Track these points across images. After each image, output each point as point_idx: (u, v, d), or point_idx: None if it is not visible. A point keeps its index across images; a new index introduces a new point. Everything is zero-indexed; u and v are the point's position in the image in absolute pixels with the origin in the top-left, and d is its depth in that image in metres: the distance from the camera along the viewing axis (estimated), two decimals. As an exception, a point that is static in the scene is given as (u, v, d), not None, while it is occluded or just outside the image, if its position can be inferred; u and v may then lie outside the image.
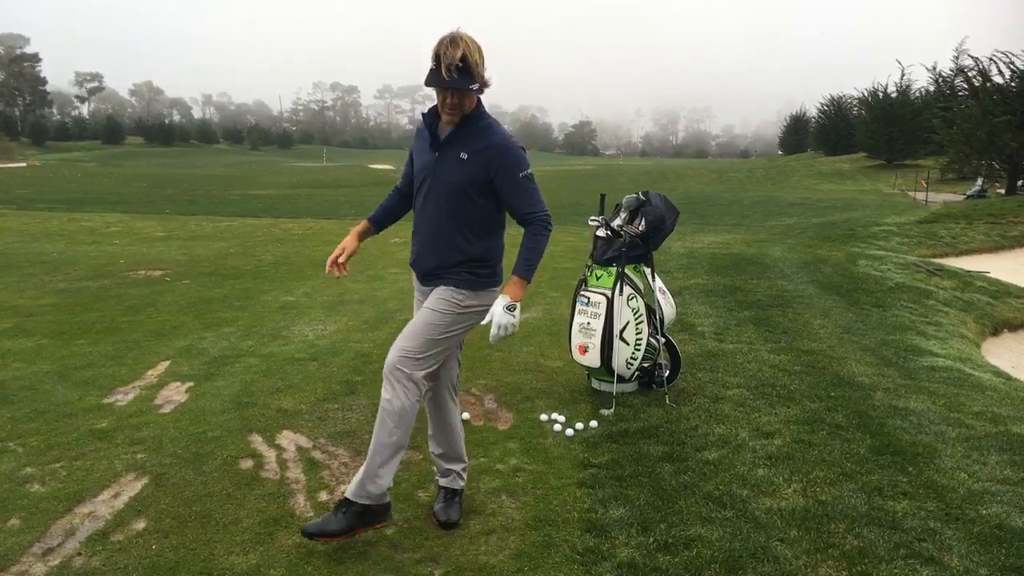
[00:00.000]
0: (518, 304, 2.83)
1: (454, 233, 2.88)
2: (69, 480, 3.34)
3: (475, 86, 2.73)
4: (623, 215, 4.61)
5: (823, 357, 5.33)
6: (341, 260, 3.04)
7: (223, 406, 4.28)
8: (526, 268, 2.86)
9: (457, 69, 2.64)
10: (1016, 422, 4.11)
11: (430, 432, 3.16)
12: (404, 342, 2.84)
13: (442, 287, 2.91)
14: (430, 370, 2.87)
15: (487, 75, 2.76)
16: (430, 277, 2.96)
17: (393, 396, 2.78)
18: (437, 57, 2.66)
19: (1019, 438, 3.84)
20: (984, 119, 24.12)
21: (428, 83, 2.74)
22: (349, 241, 3.06)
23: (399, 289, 7.73)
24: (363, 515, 2.79)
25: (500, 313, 2.80)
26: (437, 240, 2.91)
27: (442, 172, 2.86)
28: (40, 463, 3.51)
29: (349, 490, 2.81)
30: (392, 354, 2.82)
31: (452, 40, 2.65)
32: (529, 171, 2.89)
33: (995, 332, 7.50)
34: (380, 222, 3.17)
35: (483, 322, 2.87)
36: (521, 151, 2.89)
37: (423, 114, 2.98)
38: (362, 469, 2.82)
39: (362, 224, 3.14)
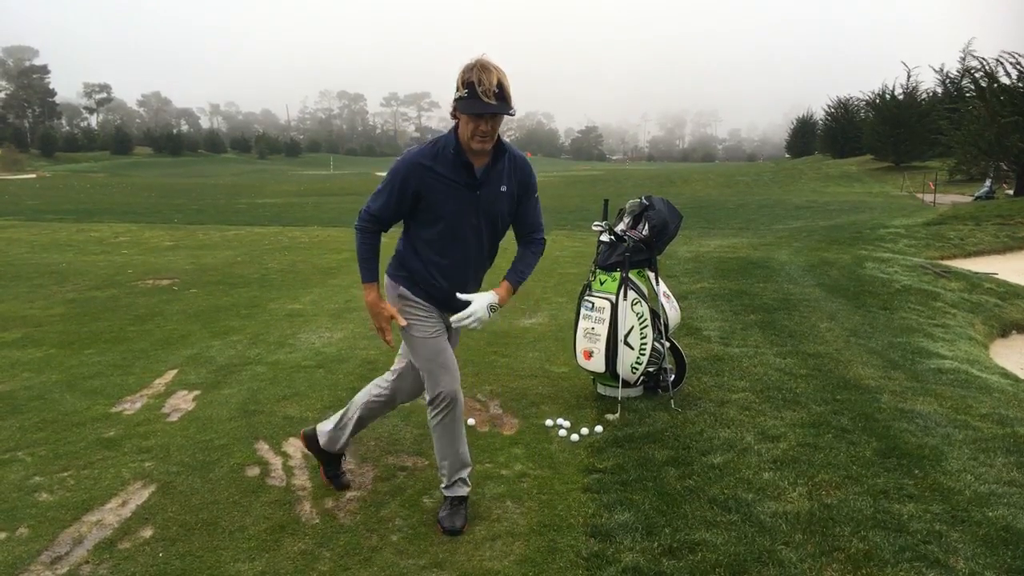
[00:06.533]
0: (499, 308, 2.98)
1: (490, 261, 3.09)
2: (77, 489, 3.37)
3: (513, 111, 2.70)
4: (626, 220, 4.62)
5: (829, 360, 5.32)
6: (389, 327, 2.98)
7: (230, 414, 4.30)
8: (519, 282, 3.07)
9: (495, 95, 2.61)
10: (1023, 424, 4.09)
11: (435, 439, 3.15)
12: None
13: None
14: None
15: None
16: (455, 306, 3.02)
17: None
18: (470, 84, 2.59)
19: (1026, 440, 3.83)
20: (992, 120, 23.98)
21: (467, 110, 2.64)
22: (389, 308, 2.95)
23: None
24: None
25: (483, 308, 2.92)
26: (479, 274, 3.07)
27: (487, 209, 2.90)
28: (48, 472, 3.54)
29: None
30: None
31: (483, 67, 2.61)
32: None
33: (1004, 334, 7.47)
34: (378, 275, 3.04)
35: (465, 314, 2.92)
36: None
37: (427, 152, 2.82)
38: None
39: (376, 288, 2.98)
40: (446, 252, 2.92)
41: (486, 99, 2.59)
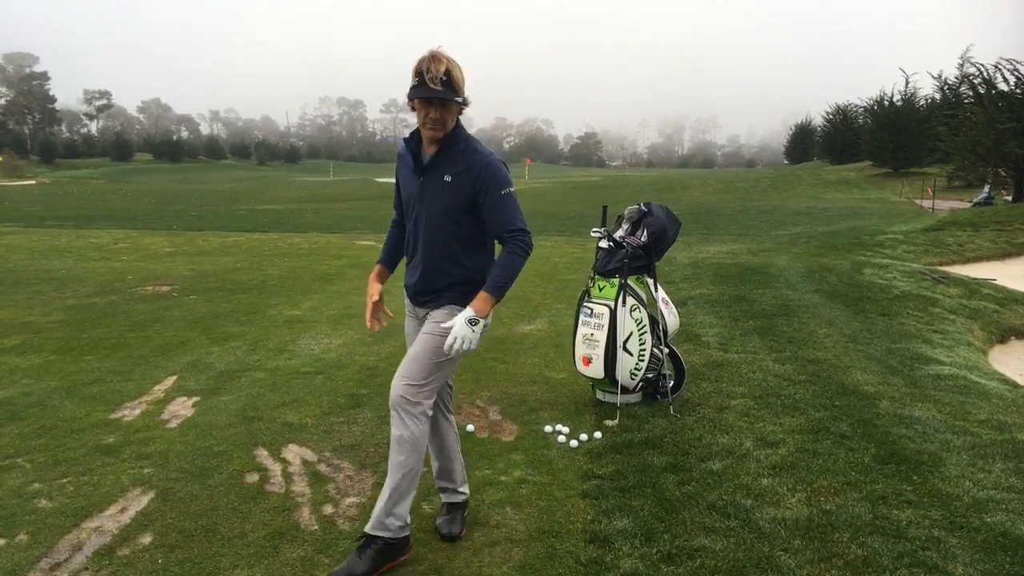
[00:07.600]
0: (481, 320, 2.75)
1: (444, 256, 2.89)
2: (76, 495, 3.37)
3: (460, 99, 2.76)
4: (625, 226, 4.63)
5: (828, 366, 5.33)
6: (376, 308, 3.12)
7: (229, 420, 4.30)
8: (496, 287, 2.78)
9: (442, 82, 2.69)
10: (1022, 430, 4.10)
11: (429, 450, 3.16)
12: (407, 370, 2.83)
13: (437, 310, 2.91)
14: (434, 395, 2.87)
15: (467, 94, 2.80)
16: (422, 299, 2.99)
17: (403, 429, 2.78)
18: (419, 72, 2.70)
19: (1025, 446, 3.83)
20: (990, 126, 24.07)
21: (413, 95, 2.75)
22: (372, 288, 3.13)
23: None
24: (386, 551, 2.76)
25: (461, 325, 2.72)
26: (429, 264, 2.91)
27: (429, 196, 2.87)
28: (48, 478, 3.54)
29: (369, 525, 2.78)
30: (397, 386, 2.82)
31: (434, 56, 2.71)
32: (511, 189, 2.87)
33: (1002, 340, 7.48)
34: (392, 261, 3.23)
35: (445, 327, 2.79)
36: (504, 168, 2.87)
37: (404, 139, 2.98)
38: (380, 503, 2.79)
39: (376, 269, 3.18)
40: (408, 240, 3.03)
41: (432, 85, 2.69)
